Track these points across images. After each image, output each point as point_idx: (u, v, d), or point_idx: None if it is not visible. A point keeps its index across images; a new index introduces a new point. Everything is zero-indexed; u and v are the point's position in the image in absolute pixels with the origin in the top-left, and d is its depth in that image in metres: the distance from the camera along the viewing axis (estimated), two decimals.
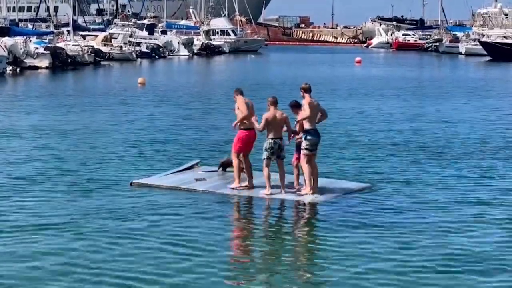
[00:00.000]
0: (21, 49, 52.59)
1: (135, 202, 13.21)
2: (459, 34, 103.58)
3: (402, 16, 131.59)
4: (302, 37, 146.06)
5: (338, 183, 14.97)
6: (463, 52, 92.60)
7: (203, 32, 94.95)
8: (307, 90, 13.79)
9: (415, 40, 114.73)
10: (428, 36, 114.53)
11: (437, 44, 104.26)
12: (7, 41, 51.60)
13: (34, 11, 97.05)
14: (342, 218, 12.51)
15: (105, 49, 68.00)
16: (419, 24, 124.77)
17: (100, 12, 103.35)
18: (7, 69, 49.38)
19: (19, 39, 53.70)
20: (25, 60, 52.80)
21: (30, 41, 55.32)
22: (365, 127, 24.43)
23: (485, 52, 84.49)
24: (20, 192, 13.94)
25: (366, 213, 12.85)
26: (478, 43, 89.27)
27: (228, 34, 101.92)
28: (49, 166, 16.53)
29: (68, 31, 70.78)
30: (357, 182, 15.16)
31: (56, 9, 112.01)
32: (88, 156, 17.93)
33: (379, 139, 21.71)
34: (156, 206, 13.04)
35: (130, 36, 74.57)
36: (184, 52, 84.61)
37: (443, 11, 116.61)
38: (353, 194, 14.21)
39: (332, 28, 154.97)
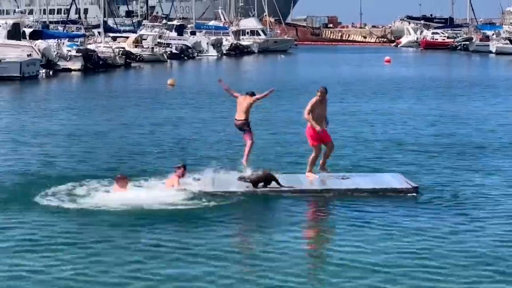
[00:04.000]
0: (54, 52, 53.06)
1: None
2: (489, 32, 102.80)
3: (431, 15, 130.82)
4: (331, 37, 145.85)
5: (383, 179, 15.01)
6: (493, 51, 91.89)
7: (232, 32, 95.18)
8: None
9: (444, 39, 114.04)
10: (457, 35, 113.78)
11: (467, 43, 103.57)
12: (41, 44, 52.06)
13: (64, 13, 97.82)
14: (385, 218, 12.55)
15: (135, 50, 68.41)
16: (448, 23, 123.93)
17: (129, 14, 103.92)
18: (41, 72, 49.81)
19: (52, 42, 54.16)
20: (58, 63, 53.26)
21: (63, 43, 55.77)
22: (408, 127, 24.46)
23: None
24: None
25: (408, 214, 12.85)
26: (508, 41, 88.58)
27: (258, 34, 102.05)
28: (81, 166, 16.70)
29: (99, 32, 71.33)
30: (401, 180, 15.06)
31: (86, 11, 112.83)
32: (118, 156, 18.11)
33: (422, 138, 21.67)
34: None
35: (160, 37, 74.95)
36: (213, 52, 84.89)
37: (472, 9, 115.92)
38: (397, 193, 14.22)
39: (361, 27, 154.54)
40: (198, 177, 14.76)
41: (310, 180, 14.92)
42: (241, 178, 14.35)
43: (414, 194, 14.16)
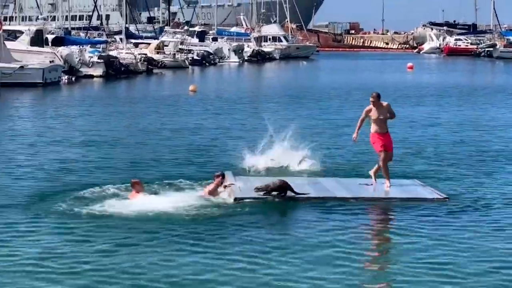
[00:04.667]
0: (76, 58, 53.21)
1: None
2: None
3: (454, 21, 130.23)
4: (353, 43, 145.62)
5: (414, 189, 14.95)
6: None
7: (254, 38, 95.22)
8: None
9: (467, 45, 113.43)
10: (481, 41, 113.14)
11: (491, 49, 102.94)
12: (63, 50, 52.22)
13: (86, 19, 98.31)
14: (413, 225, 12.42)
15: (157, 57, 68.53)
16: (471, 29, 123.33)
17: (151, 20, 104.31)
18: (63, 78, 49.97)
19: (74, 49, 54.32)
20: (80, 69, 53.41)
21: (85, 50, 55.93)
22: (436, 134, 24.20)
23: None
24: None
25: (438, 223, 12.69)
26: None
27: (280, 41, 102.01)
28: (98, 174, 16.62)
29: (120, 39, 71.54)
30: (432, 190, 14.92)
31: (107, 17, 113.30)
32: (136, 162, 18.00)
33: (452, 147, 21.44)
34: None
35: (181, 43, 75.07)
36: (234, 59, 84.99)
37: (496, 16, 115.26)
38: (428, 202, 14.09)
39: (383, 34, 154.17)
40: (231, 183, 14.70)
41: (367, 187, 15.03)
42: (257, 189, 14.12)
43: (444, 202, 14.06)
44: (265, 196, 13.95)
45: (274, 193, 13.99)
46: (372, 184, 15.11)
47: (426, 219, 12.96)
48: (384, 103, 14.98)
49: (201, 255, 10.78)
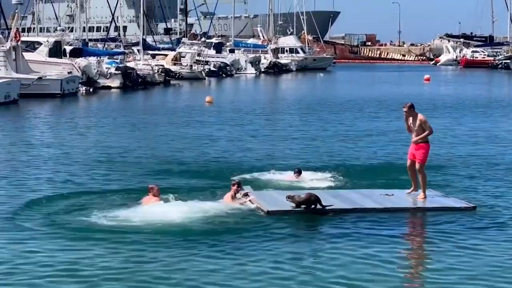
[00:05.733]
0: (94, 69, 53.45)
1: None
2: None
3: (471, 33, 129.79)
4: (370, 55, 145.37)
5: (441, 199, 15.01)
6: None
7: (271, 50, 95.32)
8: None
9: (484, 57, 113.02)
10: (498, 53, 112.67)
11: (508, 61, 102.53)
12: (81, 61, 52.46)
13: (104, 31, 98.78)
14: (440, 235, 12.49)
15: (174, 68, 68.73)
16: (488, 41, 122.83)
17: (168, 31, 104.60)
18: (81, 89, 50.23)
19: (92, 60, 54.59)
20: (98, 80, 53.64)
21: (103, 61, 56.18)
22: (453, 145, 24.22)
23: None
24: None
25: (465, 233, 12.72)
26: None
27: (297, 52, 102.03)
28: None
29: (138, 50, 71.83)
30: (460, 200, 14.95)
31: (125, 28, 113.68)
32: (151, 172, 18.04)
33: (467, 158, 21.42)
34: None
35: (198, 55, 75.28)
36: (251, 70, 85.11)
37: None
38: (455, 212, 14.12)
39: (399, 45, 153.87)
40: (247, 193, 14.94)
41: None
42: (289, 197, 14.17)
43: (473, 211, 14.13)
44: (298, 209, 13.94)
45: (303, 206, 14.00)
46: (393, 194, 15.12)
47: (460, 227, 13.02)
48: (420, 116, 15.05)
49: (223, 263, 10.85)
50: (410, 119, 15.06)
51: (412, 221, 13.94)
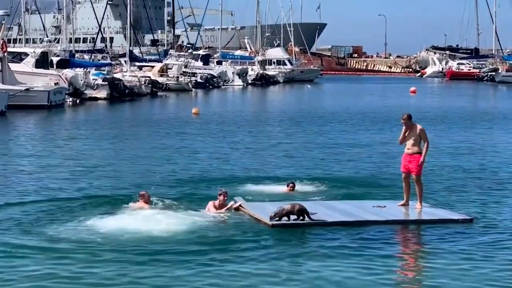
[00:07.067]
0: (81, 80, 53.37)
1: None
2: None
3: (456, 45, 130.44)
4: (356, 66, 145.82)
5: (439, 212, 15.05)
6: None
7: (258, 62, 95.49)
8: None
9: (469, 70, 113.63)
10: (483, 66, 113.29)
11: (493, 73, 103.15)
12: (68, 73, 52.37)
13: (90, 42, 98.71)
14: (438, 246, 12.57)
15: (161, 79, 68.78)
16: (474, 53, 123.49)
17: (155, 43, 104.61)
18: (68, 100, 50.14)
19: (79, 71, 54.52)
20: (85, 92, 53.56)
21: (90, 72, 56.13)
22: (441, 159, 24.15)
23: None
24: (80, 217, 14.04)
25: (462, 244, 12.76)
26: None
27: (284, 64, 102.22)
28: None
29: (125, 61, 71.81)
30: (453, 212, 15.03)
31: (111, 40, 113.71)
32: (137, 183, 18.03)
33: (474, 170, 21.51)
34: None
35: (185, 66, 75.32)
36: (238, 82, 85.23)
37: (498, 40, 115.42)
38: (453, 224, 14.14)
39: (386, 57, 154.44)
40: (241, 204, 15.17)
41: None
42: (272, 217, 13.86)
43: (470, 223, 14.18)
44: (301, 222, 13.82)
45: (293, 216, 13.81)
46: (385, 206, 15.12)
47: (458, 239, 13.05)
48: (419, 126, 15.10)
49: (211, 272, 10.92)
50: (407, 129, 15.05)
51: (411, 233, 13.84)
